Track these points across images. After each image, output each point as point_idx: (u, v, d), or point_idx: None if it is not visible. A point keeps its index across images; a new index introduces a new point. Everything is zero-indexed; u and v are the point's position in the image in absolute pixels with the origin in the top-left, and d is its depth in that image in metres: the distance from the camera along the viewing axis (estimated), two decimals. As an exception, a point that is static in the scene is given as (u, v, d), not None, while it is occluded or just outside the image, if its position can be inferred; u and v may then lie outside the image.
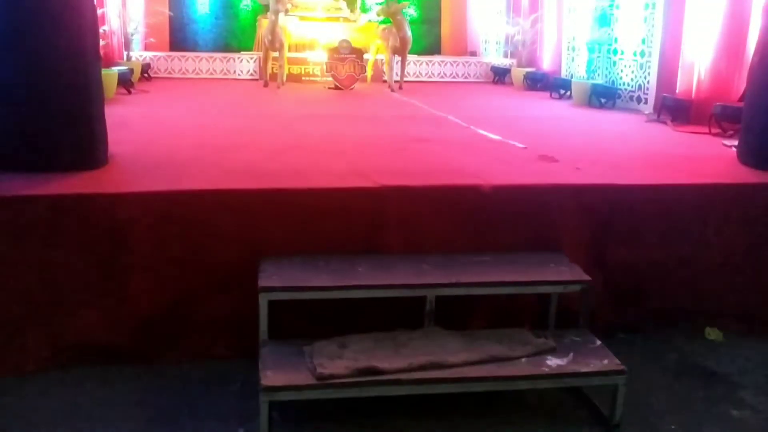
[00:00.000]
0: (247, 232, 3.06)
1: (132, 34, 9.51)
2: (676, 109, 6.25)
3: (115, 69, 7.46)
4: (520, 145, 4.61)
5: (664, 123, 6.11)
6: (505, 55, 10.80)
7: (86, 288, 2.94)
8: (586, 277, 2.94)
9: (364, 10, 11.96)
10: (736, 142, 4.44)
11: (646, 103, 7.06)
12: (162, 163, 3.71)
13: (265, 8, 9.33)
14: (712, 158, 4.41)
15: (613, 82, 7.63)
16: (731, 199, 3.50)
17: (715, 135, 5.38)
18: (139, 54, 9.80)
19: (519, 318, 3.12)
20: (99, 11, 6.51)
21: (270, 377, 2.42)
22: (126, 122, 5.12)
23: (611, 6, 7.60)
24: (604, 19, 7.68)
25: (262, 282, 2.71)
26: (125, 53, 9.21)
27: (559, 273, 2.98)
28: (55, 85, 3.26)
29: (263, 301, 2.69)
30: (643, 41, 7.10)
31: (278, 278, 2.76)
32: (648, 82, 7.05)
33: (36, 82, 3.25)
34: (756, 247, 3.51)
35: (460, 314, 3.05)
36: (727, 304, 3.52)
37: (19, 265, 2.87)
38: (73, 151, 3.33)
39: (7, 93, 3.25)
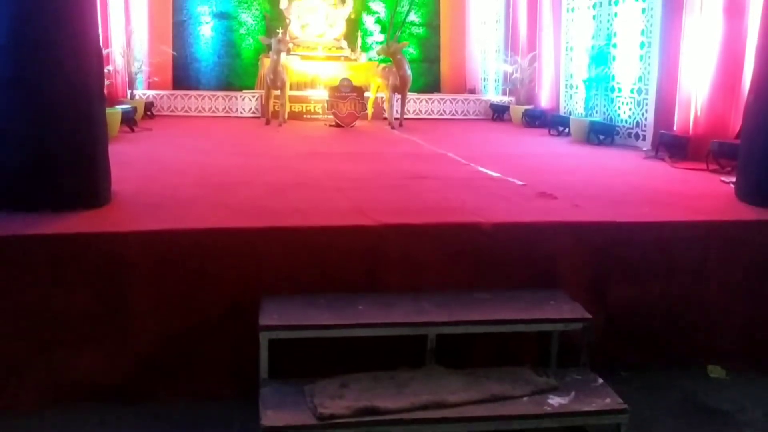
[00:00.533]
0: (248, 271, 3.07)
1: (136, 73, 9.66)
2: (673, 146, 6.30)
3: (119, 108, 7.56)
4: (520, 182, 4.64)
5: (662, 159, 6.16)
6: (504, 93, 10.93)
7: (86, 327, 2.94)
8: (587, 315, 2.94)
9: (365, 49, 12.17)
10: (734, 179, 4.47)
11: (644, 139, 7.12)
12: (164, 202, 3.74)
13: (268, 48, 9.50)
14: (710, 195, 4.43)
15: (611, 119, 7.71)
16: (730, 237, 3.52)
17: (713, 171, 5.42)
18: (142, 92, 9.95)
19: (520, 355, 3.11)
20: (104, 51, 6.65)
21: (270, 417, 2.40)
22: (129, 160, 5.17)
23: (607, 45, 7.71)
24: (601, 57, 7.78)
25: (263, 321, 2.72)
26: (129, 92, 9.35)
27: (560, 311, 2.98)
28: (59, 126, 3.31)
29: (264, 340, 2.69)
30: (640, 79, 7.20)
31: (278, 317, 2.76)
32: (645, 119, 7.12)
33: (40, 122, 3.30)
34: (757, 285, 3.51)
35: (461, 352, 3.04)
36: (729, 341, 3.51)
37: (19, 303, 2.88)
38: (77, 191, 3.36)
39: (11, 133, 3.30)
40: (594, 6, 8.06)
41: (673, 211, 3.85)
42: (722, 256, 3.48)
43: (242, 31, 12.38)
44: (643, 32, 7.12)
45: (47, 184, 3.32)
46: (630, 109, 7.41)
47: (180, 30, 12.15)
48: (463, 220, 3.43)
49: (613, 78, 7.67)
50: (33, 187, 3.31)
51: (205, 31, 12.29)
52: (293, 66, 10.57)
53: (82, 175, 3.39)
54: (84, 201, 3.37)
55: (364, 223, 3.28)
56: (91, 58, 3.47)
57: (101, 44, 3.96)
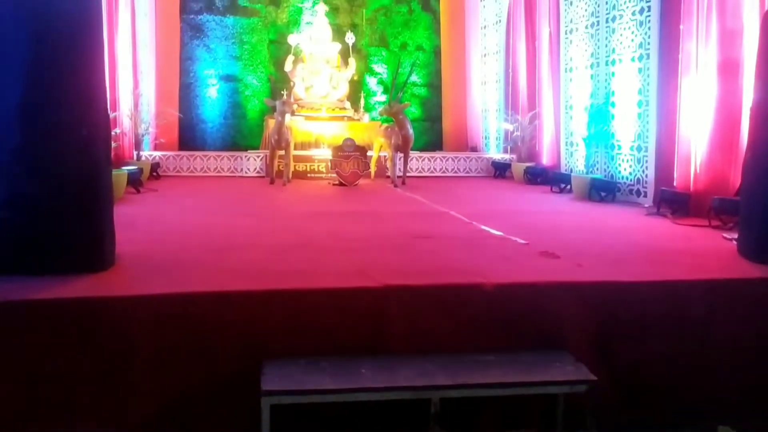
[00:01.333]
0: (251, 334, 3.06)
1: (143, 135, 9.83)
2: (675, 202, 6.34)
3: (125, 169, 7.66)
4: (522, 241, 4.66)
5: (664, 216, 6.19)
6: (505, 151, 11.06)
7: (87, 391, 2.92)
8: (592, 377, 2.91)
9: (368, 109, 12.41)
10: (736, 235, 4.48)
11: (645, 196, 7.16)
12: (168, 265, 3.76)
13: (272, 109, 9.68)
14: (713, 252, 4.44)
15: (612, 176, 7.78)
16: (734, 294, 3.51)
17: (715, 228, 5.44)
18: (148, 153, 10.09)
19: (526, 418, 3.07)
20: (112, 115, 6.80)
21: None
22: (134, 222, 5.22)
23: (606, 103, 7.85)
24: (601, 115, 7.90)
25: (265, 385, 2.70)
26: (135, 153, 9.49)
27: (565, 373, 2.95)
28: (66, 190, 3.37)
29: (265, 405, 2.67)
30: (639, 136, 7.29)
31: (281, 381, 2.74)
32: (646, 175, 7.18)
33: (47, 187, 3.36)
34: (763, 343, 3.48)
35: (465, 415, 3.00)
36: (739, 400, 3.45)
37: (18, 369, 2.87)
38: (82, 255, 3.40)
39: (18, 197, 3.35)
40: (592, 66, 8.24)
41: (677, 269, 3.85)
42: (727, 314, 3.46)
43: (248, 93, 12.68)
44: (640, 91, 7.25)
45: (52, 248, 3.36)
46: (630, 166, 7.47)
47: (187, 92, 12.45)
48: (466, 281, 3.43)
49: (613, 135, 7.76)
50: (38, 251, 3.35)
51: (212, 93, 12.59)
52: (297, 126, 10.77)
53: (87, 239, 3.43)
54: (88, 265, 3.39)
55: (368, 284, 3.29)
56: (99, 123, 3.55)
57: (109, 109, 4.04)
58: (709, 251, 4.48)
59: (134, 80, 9.84)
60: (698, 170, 6.34)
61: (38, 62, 3.37)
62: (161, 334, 2.99)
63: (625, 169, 7.58)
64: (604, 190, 7.50)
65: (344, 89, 12.12)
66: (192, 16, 12.45)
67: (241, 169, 10.44)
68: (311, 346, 3.07)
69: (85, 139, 3.43)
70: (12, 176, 3.35)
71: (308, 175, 10.23)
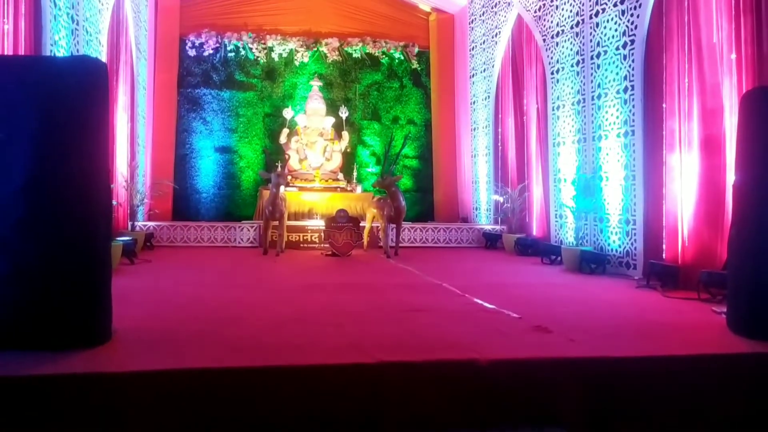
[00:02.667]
0: (245, 411, 3.06)
1: (137, 206, 9.92)
2: (664, 275, 6.43)
3: (120, 240, 7.71)
4: (515, 315, 4.70)
5: (654, 289, 6.26)
6: (496, 222, 11.22)
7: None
8: (588, 455, 2.91)
9: (360, 180, 12.62)
10: (725, 309, 4.55)
11: (635, 268, 7.26)
12: (164, 339, 3.77)
13: (267, 181, 9.84)
14: (702, 326, 4.49)
15: (601, 248, 7.89)
16: (724, 370, 3.55)
17: (705, 301, 5.52)
18: (143, 223, 10.16)
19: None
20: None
21: None
22: (129, 294, 5.23)
23: (593, 177, 8.03)
24: (589, 188, 8.08)
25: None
26: (130, 223, 9.55)
27: (560, 450, 2.95)
28: (66, 266, 3.43)
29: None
30: (627, 209, 7.44)
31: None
32: (635, 248, 7.29)
33: (48, 262, 3.42)
34: (755, 417, 3.50)
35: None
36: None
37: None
38: (79, 330, 3.42)
39: (19, 273, 3.40)
40: (579, 140, 8.48)
41: (667, 344, 3.90)
42: (718, 389, 3.49)
43: (242, 164, 12.89)
44: (626, 166, 7.45)
45: (50, 323, 3.38)
46: (619, 239, 7.60)
47: (182, 163, 12.65)
48: (460, 356, 3.46)
49: (602, 208, 7.92)
50: (35, 325, 3.37)
51: (206, 164, 12.80)
52: (291, 197, 10.91)
53: (85, 313, 3.46)
54: (85, 339, 3.42)
55: (363, 360, 3.31)
56: (101, 199, 3.64)
57: (110, 189, 4.13)
58: (699, 325, 4.53)
59: (131, 152, 10.01)
60: (686, 243, 6.47)
61: (44, 138, 3.48)
62: (158, 410, 2.98)
63: (614, 242, 7.70)
64: (594, 262, 7.60)
65: (338, 161, 12.37)
66: (189, 90, 12.79)
67: (235, 240, 10.50)
68: (307, 423, 3.07)
69: (86, 214, 3.51)
70: (14, 250, 3.41)
71: (301, 245, 10.32)
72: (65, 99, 3.51)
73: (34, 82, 3.50)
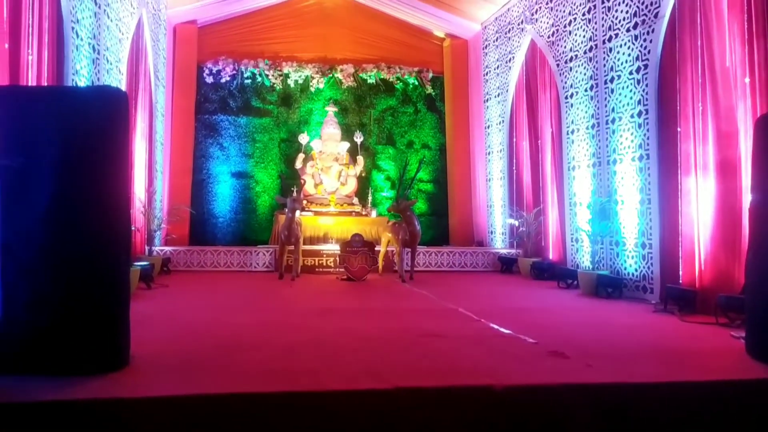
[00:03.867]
0: (263, 436, 3.07)
1: (155, 231, 10.02)
2: (681, 299, 6.38)
3: (137, 265, 7.78)
4: (531, 340, 4.69)
5: (672, 313, 6.21)
6: (511, 246, 11.20)
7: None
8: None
9: (375, 204, 12.68)
10: (743, 333, 4.51)
11: (651, 292, 7.21)
12: (181, 364, 3.80)
13: (282, 206, 9.91)
14: (721, 351, 4.45)
15: (617, 272, 7.85)
16: (744, 396, 3.51)
17: (723, 325, 5.46)
18: (159, 248, 10.25)
19: None
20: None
21: None
22: (146, 319, 5.28)
23: (609, 200, 8.02)
24: (604, 212, 8.06)
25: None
26: (147, 248, 9.65)
27: (578, 478, 2.93)
28: (86, 292, 3.48)
29: None
30: (643, 233, 7.41)
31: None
32: (652, 272, 7.25)
33: (69, 288, 3.47)
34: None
35: None
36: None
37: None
38: (98, 355, 3.46)
39: (40, 299, 3.45)
40: (594, 164, 8.49)
41: (686, 369, 3.86)
42: (737, 416, 3.45)
43: (258, 189, 13.00)
44: (641, 189, 7.44)
45: (69, 349, 3.43)
46: (636, 262, 7.55)
47: (199, 188, 12.78)
48: (476, 382, 3.45)
49: (618, 232, 7.89)
50: (55, 351, 3.41)
51: (223, 189, 12.92)
52: (306, 221, 10.98)
53: (104, 339, 3.51)
54: (104, 365, 3.45)
55: (379, 386, 3.32)
56: (121, 225, 3.71)
57: (130, 215, 4.20)
58: (717, 350, 4.49)
59: (149, 177, 10.14)
60: (703, 267, 6.42)
61: (66, 166, 3.55)
62: (174, 436, 3.00)
63: (630, 265, 7.65)
64: (610, 287, 7.56)
65: (353, 185, 12.45)
66: (206, 116, 12.96)
67: (251, 264, 10.56)
68: (323, 449, 3.07)
69: (107, 241, 3.57)
70: (35, 276, 3.46)
71: (317, 269, 10.35)
72: (87, 128, 3.59)
73: (57, 112, 3.59)
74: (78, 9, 6.65)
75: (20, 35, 5.34)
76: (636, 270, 7.55)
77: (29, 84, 5.46)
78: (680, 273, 6.83)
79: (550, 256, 9.92)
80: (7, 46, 5.10)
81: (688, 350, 4.48)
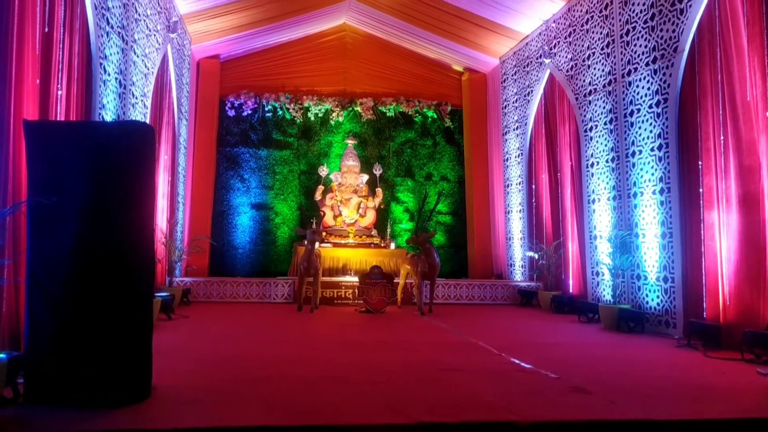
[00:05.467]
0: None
1: (175, 261, 10.10)
2: (705, 334, 6.29)
3: (158, 296, 7.84)
4: (553, 375, 4.64)
5: (695, 349, 6.12)
6: (531, 278, 11.13)
7: None
8: None
9: (394, 236, 12.70)
10: (770, 371, 4.44)
11: (674, 327, 7.11)
12: (202, 396, 3.81)
13: (302, 237, 9.96)
14: (747, 389, 4.37)
15: (639, 306, 7.76)
16: (773, 436, 3.44)
17: (749, 362, 5.37)
18: (180, 279, 10.33)
19: None
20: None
21: None
22: (167, 351, 5.31)
23: (630, 234, 7.96)
24: (625, 246, 8.00)
25: None
26: (168, 279, 9.72)
27: None
28: (111, 325, 3.53)
29: None
30: (665, 267, 7.34)
31: None
32: (674, 306, 7.16)
33: (94, 322, 3.52)
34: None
35: None
36: None
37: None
38: (121, 387, 3.50)
39: (67, 332, 3.50)
40: (614, 198, 8.46)
41: (711, 407, 3.80)
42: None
43: (278, 220, 13.10)
44: (662, 223, 7.39)
45: (93, 381, 3.46)
46: (658, 297, 7.47)
47: (219, 219, 12.91)
48: (498, 417, 3.42)
49: (639, 266, 7.82)
50: (79, 383, 3.45)
51: (243, 221, 13.04)
52: (325, 253, 11.02)
53: (127, 371, 3.54)
54: (127, 397, 3.48)
55: (399, 421, 3.30)
56: (146, 258, 3.76)
57: (155, 248, 4.26)
58: (744, 387, 4.41)
59: (170, 209, 10.27)
60: (728, 302, 6.34)
61: (94, 200, 3.64)
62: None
63: (652, 300, 7.57)
64: (632, 321, 7.47)
65: (372, 217, 12.50)
66: (228, 149, 13.15)
67: (270, 296, 10.59)
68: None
69: (131, 273, 3.62)
70: (62, 308, 3.52)
71: (335, 301, 10.36)
72: (115, 162, 3.67)
73: (86, 146, 3.68)
74: (106, 45, 6.83)
75: (51, 71, 5.48)
76: (658, 304, 7.46)
77: (58, 118, 5.59)
78: (704, 307, 6.73)
79: (571, 290, 9.84)
80: (38, 81, 5.24)
81: (713, 387, 4.41)
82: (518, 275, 11.87)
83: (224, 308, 9.58)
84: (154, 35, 8.94)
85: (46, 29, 5.44)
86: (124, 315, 3.56)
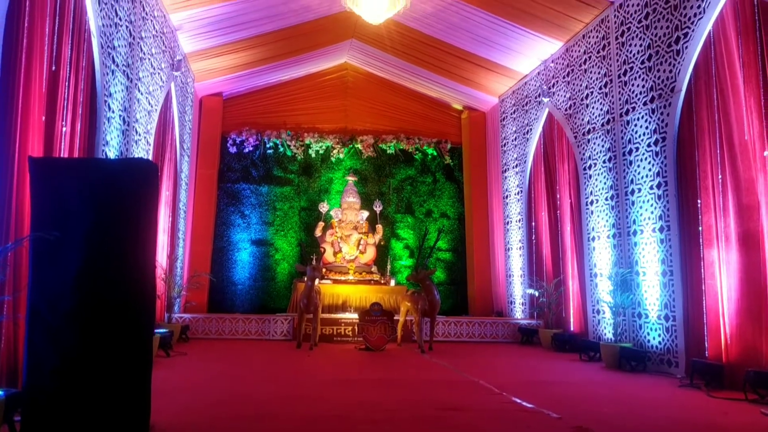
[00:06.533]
0: None
1: (175, 298, 10.06)
2: (708, 374, 6.24)
3: (157, 332, 7.79)
4: (555, 415, 4.59)
5: (698, 388, 6.07)
6: (531, 316, 11.08)
7: None
8: None
9: (395, 273, 12.68)
10: (774, 412, 4.39)
11: (677, 366, 7.06)
12: (200, 436, 3.78)
13: (302, 274, 9.94)
14: (751, 429, 4.33)
15: (641, 344, 7.71)
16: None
17: (753, 402, 5.33)
18: (179, 315, 10.27)
19: None
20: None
21: None
22: (165, 388, 5.26)
23: (630, 272, 7.96)
24: (626, 284, 7.99)
25: None
26: (167, 315, 9.67)
27: None
28: (110, 359, 3.50)
29: None
30: (666, 305, 7.32)
31: None
32: (676, 345, 7.12)
33: (94, 355, 3.50)
34: None
35: None
36: None
37: None
38: (120, 424, 3.45)
39: (67, 366, 3.48)
40: (614, 235, 8.48)
41: (716, 448, 3.76)
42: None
43: (278, 256, 13.09)
44: (663, 261, 7.40)
45: (93, 417, 3.42)
46: (659, 335, 7.43)
47: (219, 255, 12.91)
48: (499, 458, 3.39)
49: (640, 304, 7.80)
50: (79, 420, 3.41)
51: (243, 257, 13.03)
52: (325, 290, 10.99)
53: (127, 408, 3.50)
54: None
55: (400, 461, 3.26)
56: (147, 293, 3.76)
57: (155, 284, 4.26)
58: (748, 428, 4.37)
59: (171, 244, 10.27)
60: (729, 341, 6.31)
61: (97, 233, 3.65)
62: None
63: (654, 338, 7.53)
64: (634, 360, 7.42)
65: (372, 254, 12.50)
66: (229, 185, 13.21)
67: (269, 332, 10.52)
68: None
69: (132, 308, 3.62)
70: (63, 341, 3.50)
71: (335, 338, 10.28)
72: (118, 199, 3.70)
73: (90, 183, 3.71)
74: (111, 83, 6.92)
75: (56, 108, 5.55)
76: (660, 343, 7.41)
77: (62, 155, 5.64)
78: (706, 346, 6.70)
79: (571, 328, 9.79)
80: (43, 118, 5.30)
81: (717, 428, 4.37)
82: (519, 313, 11.82)
83: (223, 345, 9.51)
84: (159, 73, 9.07)
85: (53, 68, 5.53)
86: (125, 350, 3.54)
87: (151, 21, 8.55)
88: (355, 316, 10.06)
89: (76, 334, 3.50)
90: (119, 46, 7.21)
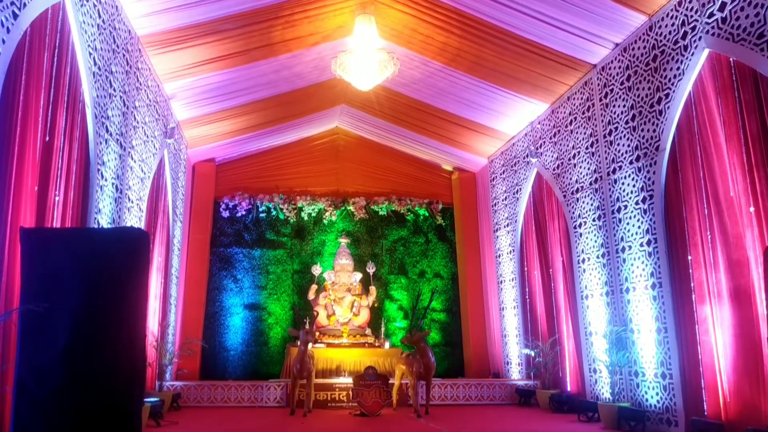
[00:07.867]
0: None
1: (166, 365, 9.91)
2: (708, 433, 6.15)
3: (147, 401, 7.64)
4: (554, 480, 4.50)
5: (700, 449, 5.97)
6: (528, 377, 10.94)
7: None
8: None
9: (389, 335, 12.56)
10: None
11: (676, 425, 6.95)
12: None
13: (295, 338, 9.83)
14: (755, 491, 4.24)
15: (639, 404, 7.61)
16: None
17: (755, 462, 5.23)
18: (170, 383, 10.09)
19: None
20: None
21: None
22: (155, 461, 5.13)
23: (625, 329, 7.93)
24: (621, 342, 7.94)
25: None
26: (158, 383, 9.50)
27: None
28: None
29: None
30: (662, 363, 7.27)
31: None
32: (675, 404, 7.03)
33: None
34: None
35: None
36: None
37: None
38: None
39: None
40: (606, 293, 8.48)
41: None
42: None
43: (271, 321, 12.98)
44: (657, 318, 7.38)
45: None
46: (657, 394, 7.35)
47: (211, 321, 12.79)
48: None
49: (637, 362, 7.74)
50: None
51: (235, 321, 12.92)
52: (319, 353, 10.85)
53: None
54: None
55: None
56: (137, 368, 3.72)
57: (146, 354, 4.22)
58: (752, 490, 4.28)
59: (162, 310, 10.18)
60: (728, 398, 6.25)
61: (87, 306, 3.63)
62: None
63: (651, 397, 7.44)
64: (633, 420, 7.31)
65: (365, 316, 12.41)
66: (222, 249, 13.21)
67: (262, 399, 10.33)
68: None
69: (121, 381, 3.57)
70: (50, 417, 3.44)
71: (329, 404, 10.10)
72: (110, 269, 3.71)
73: (81, 253, 3.72)
74: (105, 152, 7.01)
75: (49, 177, 5.60)
76: (658, 401, 7.32)
77: (55, 223, 5.66)
78: (704, 404, 6.62)
79: (569, 387, 9.66)
80: (36, 188, 5.34)
81: (720, 490, 4.27)
82: (515, 373, 11.68)
83: (215, 413, 9.32)
84: (152, 141, 9.20)
85: (47, 138, 5.60)
86: (113, 422, 3.47)
87: (145, 90, 8.73)
88: (350, 380, 9.92)
89: (63, 408, 3.45)
90: (113, 115, 7.34)
